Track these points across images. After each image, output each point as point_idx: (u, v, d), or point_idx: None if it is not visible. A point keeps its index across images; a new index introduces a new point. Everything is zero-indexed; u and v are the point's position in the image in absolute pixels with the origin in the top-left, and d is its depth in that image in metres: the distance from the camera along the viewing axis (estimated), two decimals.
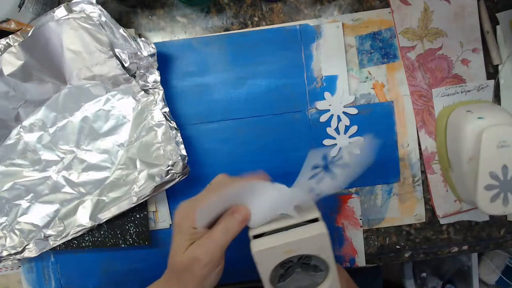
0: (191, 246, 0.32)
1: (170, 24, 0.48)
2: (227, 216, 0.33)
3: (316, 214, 0.33)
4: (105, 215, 0.43)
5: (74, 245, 0.45)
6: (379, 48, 0.48)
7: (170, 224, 0.48)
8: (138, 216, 0.46)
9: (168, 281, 0.35)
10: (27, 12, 0.41)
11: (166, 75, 0.47)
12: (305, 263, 0.34)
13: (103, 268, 0.48)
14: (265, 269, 0.32)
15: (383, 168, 0.48)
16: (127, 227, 0.46)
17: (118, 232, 0.45)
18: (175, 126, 0.43)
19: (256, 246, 0.32)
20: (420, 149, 0.48)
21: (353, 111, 0.47)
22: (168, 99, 0.45)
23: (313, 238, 0.31)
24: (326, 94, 0.47)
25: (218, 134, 0.47)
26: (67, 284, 0.48)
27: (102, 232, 0.45)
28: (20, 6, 0.40)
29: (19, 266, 0.48)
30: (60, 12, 0.42)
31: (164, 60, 0.46)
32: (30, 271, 0.48)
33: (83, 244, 0.45)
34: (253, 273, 0.48)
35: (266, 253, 0.31)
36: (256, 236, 0.33)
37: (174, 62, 0.47)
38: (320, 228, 0.32)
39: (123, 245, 0.46)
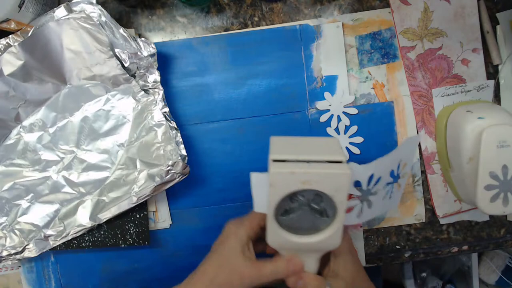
0: (243, 263, 0.33)
1: (170, 24, 0.48)
2: (282, 262, 0.34)
3: (342, 157, 0.32)
4: (105, 215, 0.43)
5: (74, 245, 0.45)
6: (379, 48, 0.48)
7: (170, 224, 0.48)
8: (138, 216, 0.46)
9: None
10: (27, 12, 0.41)
11: (166, 75, 0.47)
12: (313, 205, 0.33)
13: (103, 268, 0.48)
14: (276, 194, 0.32)
15: None
16: (127, 227, 0.46)
17: (118, 232, 0.45)
18: (175, 126, 0.43)
19: (276, 168, 0.31)
20: (420, 149, 0.48)
21: (353, 111, 0.47)
22: (168, 99, 0.45)
23: (335, 176, 0.31)
24: (326, 94, 0.47)
25: (218, 134, 0.47)
26: (67, 284, 0.48)
27: (102, 232, 0.45)
28: (20, 6, 0.40)
29: (19, 266, 0.48)
30: (60, 12, 0.42)
31: (164, 60, 0.46)
32: (30, 271, 0.48)
33: (83, 244, 0.45)
34: None
35: (284, 177, 0.31)
36: (276, 161, 0.32)
37: (174, 62, 0.47)
38: (344, 169, 0.31)
39: (123, 245, 0.46)
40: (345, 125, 0.47)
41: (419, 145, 0.48)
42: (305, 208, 0.33)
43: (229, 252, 0.34)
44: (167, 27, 0.48)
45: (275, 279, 0.34)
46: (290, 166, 0.31)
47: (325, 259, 0.36)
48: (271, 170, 0.31)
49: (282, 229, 0.34)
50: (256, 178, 0.33)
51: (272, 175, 0.31)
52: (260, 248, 0.38)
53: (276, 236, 0.34)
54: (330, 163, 0.32)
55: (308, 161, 0.32)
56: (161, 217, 0.47)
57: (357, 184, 0.34)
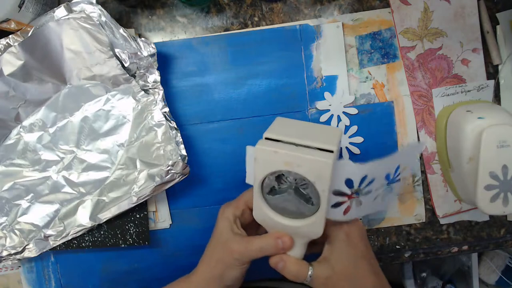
0: (233, 238, 0.35)
1: (170, 24, 0.48)
2: (270, 238, 0.35)
3: (333, 147, 0.32)
4: (105, 215, 0.43)
5: (74, 245, 0.45)
6: (379, 48, 0.47)
7: (170, 224, 0.48)
8: (138, 216, 0.46)
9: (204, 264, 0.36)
10: (27, 12, 0.41)
11: (166, 75, 0.47)
12: (300, 190, 0.34)
13: (103, 268, 0.48)
14: (260, 170, 0.33)
15: None
16: (127, 227, 0.46)
17: (118, 232, 0.45)
18: (175, 126, 0.43)
19: (262, 144, 0.32)
20: None
21: (353, 111, 0.47)
22: (168, 99, 0.45)
23: (316, 163, 0.31)
24: (326, 94, 0.47)
25: (218, 134, 0.47)
26: (67, 284, 0.48)
27: (102, 232, 0.45)
28: (20, 6, 0.40)
29: (19, 266, 0.48)
30: (60, 12, 0.42)
31: (164, 60, 0.46)
32: (30, 271, 0.48)
33: (83, 244, 0.45)
34: (254, 273, 0.48)
35: (267, 154, 0.32)
36: (268, 139, 0.33)
37: (174, 62, 0.47)
38: (328, 157, 0.31)
39: (123, 245, 0.46)
40: (345, 125, 0.47)
41: None
42: (291, 191, 0.34)
43: (219, 231, 0.36)
44: (167, 27, 0.48)
45: (263, 255, 0.34)
46: (276, 146, 0.32)
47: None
48: (257, 146, 0.32)
49: (267, 206, 0.35)
50: (249, 151, 0.34)
51: (256, 151, 0.32)
52: (253, 233, 0.38)
53: (260, 211, 0.35)
54: (318, 150, 0.32)
55: (296, 144, 0.33)
56: (161, 217, 0.47)
57: (348, 182, 0.34)
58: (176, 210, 0.48)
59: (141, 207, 0.45)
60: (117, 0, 0.46)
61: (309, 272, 0.34)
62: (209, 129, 0.47)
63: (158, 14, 0.47)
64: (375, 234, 0.49)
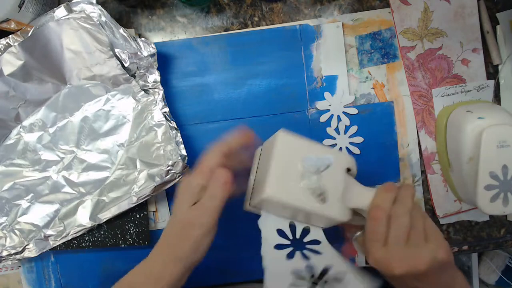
0: (188, 209, 0.34)
1: (170, 24, 0.48)
2: (211, 182, 0.34)
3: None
4: (105, 215, 0.43)
5: (74, 245, 0.45)
6: (379, 48, 0.47)
7: None
8: (138, 216, 0.46)
9: (163, 247, 0.35)
10: (27, 12, 0.41)
11: (166, 75, 0.47)
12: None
13: (103, 268, 0.48)
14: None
15: (383, 168, 0.48)
16: (127, 227, 0.46)
17: (118, 232, 0.45)
18: (175, 126, 0.43)
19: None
20: (420, 149, 0.48)
21: (353, 111, 0.47)
22: (168, 99, 0.45)
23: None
24: (326, 94, 0.47)
25: (218, 134, 0.47)
26: (67, 284, 0.48)
27: (102, 232, 0.45)
28: (20, 6, 0.40)
29: (19, 266, 0.48)
30: (60, 12, 0.42)
31: (164, 60, 0.46)
32: (30, 271, 0.48)
33: (83, 244, 0.45)
34: (253, 274, 0.48)
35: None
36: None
37: (174, 62, 0.47)
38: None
39: (123, 245, 0.46)
40: (345, 125, 0.47)
41: (419, 145, 0.48)
42: None
43: (178, 211, 0.35)
44: (167, 27, 0.48)
45: (222, 199, 0.34)
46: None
47: None
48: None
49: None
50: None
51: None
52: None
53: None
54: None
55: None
56: (161, 217, 0.47)
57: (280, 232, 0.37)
58: None
59: (141, 207, 0.45)
60: (117, 0, 0.46)
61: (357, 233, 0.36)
62: (209, 129, 0.47)
63: (158, 14, 0.47)
64: None
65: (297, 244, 0.40)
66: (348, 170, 0.37)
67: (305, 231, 0.38)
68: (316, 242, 0.39)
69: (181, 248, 0.34)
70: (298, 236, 0.39)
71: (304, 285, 0.38)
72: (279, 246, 0.40)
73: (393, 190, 0.34)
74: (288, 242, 0.40)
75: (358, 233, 0.39)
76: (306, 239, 0.39)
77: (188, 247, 0.34)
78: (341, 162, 0.36)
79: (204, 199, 0.34)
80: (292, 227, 0.38)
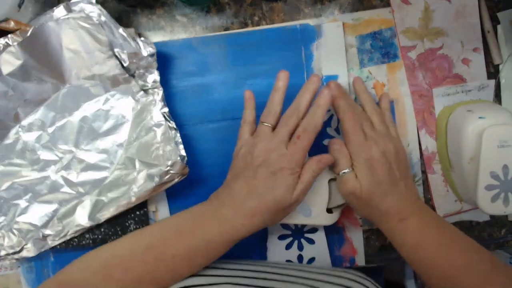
0: (295, 190, 0.37)
1: (170, 23, 0.47)
2: (314, 162, 0.38)
3: None
4: (104, 215, 0.43)
5: (75, 243, 0.45)
6: (379, 48, 0.47)
7: None
8: (138, 213, 0.45)
9: (249, 217, 0.37)
10: (27, 11, 0.41)
11: (165, 75, 0.46)
12: None
13: None
14: None
15: None
16: (127, 224, 0.46)
17: (118, 229, 0.45)
18: (174, 127, 0.43)
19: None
20: (420, 149, 0.48)
21: None
22: (168, 99, 0.45)
23: None
24: None
25: (217, 134, 0.47)
26: None
27: (102, 230, 0.45)
28: (19, 6, 0.40)
29: (19, 266, 0.48)
30: (59, 11, 0.42)
31: (163, 60, 0.46)
32: (29, 271, 0.48)
33: (83, 242, 0.45)
34: None
35: None
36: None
37: (174, 62, 0.47)
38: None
39: None
40: None
41: (420, 145, 0.48)
42: None
43: (287, 193, 0.38)
44: (167, 26, 0.47)
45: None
46: None
47: None
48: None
49: None
50: None
51: None
52: None
53: None
54: None
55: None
56: (161, 217, 0.47)
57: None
58: (176, 210, 0.48)
59: (141, 204, 0.45)
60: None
61: (346, 170, 0.39)
62: (209, 129, 0.47)
63: (158, 14, 0.47)
64: (375, 234, 0.49)
65: (297, 233, 0.49)
66: (331, 180, 0.42)
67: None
68: (313, 230, 0.47)
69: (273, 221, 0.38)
70: (299, 226, 0.47)
71: (287, 237, 0.46)
72: (282, 237, 0.47)
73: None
74: (289, 232, 0.47)
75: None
76: (306, 228, 0.47)
77: (277, 221, 0.39)
78: (324, 177, 0.42)
79: (306, 176, 0.37)
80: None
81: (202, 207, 0.39)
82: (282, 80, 0.40)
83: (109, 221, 0.45)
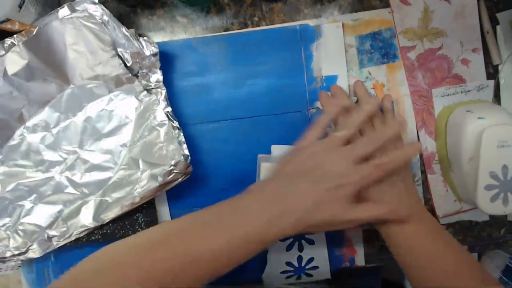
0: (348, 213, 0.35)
1: (170, 24, 0.48)
2: (375, 208, 0.37)
3: None
4: (108, 216, 0.43)
5: (84, 239, 0.45)
6: (379, 48, 0.48)
7: None
8: (145, 205, 0.45)
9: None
10: (28, 12, 0.41)
11: (166, 75, 0.47)
12: None
13: None
14: None
15: None
16: (135, 217, 0.46)
17: (127, 223, 0.45)
18: (178, 126, 0.43)
19: None
20: None
21: None
22: (169, 99, 0.45)
23: None
24: None
25: (218, 134, 0.48)
26: None
27: (110, 225, 0.45)
28: (20, 6, 0.40)
29: (19, 266, 0.48)
30: (63, 11, 0.42)
31: (164, 60, 0.46)
32: (30, 271, 0.48)
33: (92, 238, 0.45)
34: (254, 273, 0.49)
35: None
36: None
37: (174, 62, 0.47)
38: None
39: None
40: None
41: None
42: None
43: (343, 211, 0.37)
44: (167, 27, 0.48)
45: None
46: None
47: None
48: None
49: None
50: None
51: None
52: None
53: None
54: None
55: None
56: (161, 217, 0.47)
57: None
58: (176, 210, 0.48)
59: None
60: (117, 0, 0.46)
61: None
62: (209, 129, 0.47)
63: (158, 14, 0.48)
64: (375, 234, 0.49)
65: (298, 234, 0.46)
66: None
67: None
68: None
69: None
70: None
71: (290, 271, 0.47)
72: (283, 238, 0.47)
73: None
74: None
75: None
76: None
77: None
78: None
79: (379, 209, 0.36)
80: None
81: (241, 200, 0.36)
82: (373, 105, 0.40)
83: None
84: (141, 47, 0.42)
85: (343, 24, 0.47)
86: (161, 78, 0.43)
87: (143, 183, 0.43)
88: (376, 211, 0.36)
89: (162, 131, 0.43)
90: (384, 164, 0.36)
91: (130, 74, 0.43)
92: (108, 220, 0.43)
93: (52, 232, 0.44)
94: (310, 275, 0.47)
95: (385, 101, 0.45)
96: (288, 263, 0.46)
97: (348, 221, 0.35)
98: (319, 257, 0.47)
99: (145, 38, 0.43)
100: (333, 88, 0.44)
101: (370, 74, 0.48)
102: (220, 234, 0.34)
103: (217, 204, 0.37)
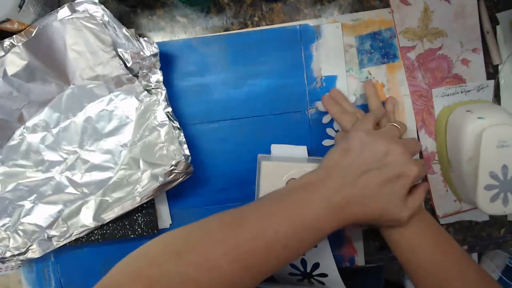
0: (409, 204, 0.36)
1: (170, 24, 0.48)
2: (423, 189, 0.38)
3: None
4: (109, 216, 0.43)
5: (84, 239, 0.45)
6: (379, 48, 0.48)
7: (170, 224, 0.48)
8: (144, 205, 0.45)
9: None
10: (28, 12, 0.41)
11: (166, 75, 0.47)
12: None
13: (103, 268, 0.48)
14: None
15: None
16: (135, 217, 0.46)
17: (126, 223, 0.45)
18: (178, 126, 0.43)
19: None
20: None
21: None
22: (169, 99, 0.45)
23: None
24: None
25: (218, 134, 0.48)
26: (67, 284, 0.48)
27: (110, 225, 0.45)
28: (20, 6, 0.40)
29: (19, 266, 0.48)
30: (63, 12, 0.42)
31: (164, 60, 0.46)
32: (30, 271, 0.48)
33: (92, 238, 0.45)
34: None
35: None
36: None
37: (174, 62, 0.47)
38: None
39: (132, 236, 0.45)
40: None
41: None
42: None
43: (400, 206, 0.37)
44: (167, 27, 0.48)
45: None
46: None
47: None
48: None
49: None
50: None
51: None
52: None
53: None
54: None
55: None
56: (161, 217, 0.47)
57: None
58: (176, 210, 0.48)
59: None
60: (116, 0, 0.46)
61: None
62: (209, 129, 0.47)
63: (158, 14, 0.48)
64: (375, 234, 0.49)
65: None
66: None
67: None
68: None
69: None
70: None
71: (298, 275, 0.46)
72: None
73: None
74: None
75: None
76: None
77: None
78: None
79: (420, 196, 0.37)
80: None
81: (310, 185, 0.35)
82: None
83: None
84: (141, 47, 0.42)
85: (343, 25, 0.47)
86: (161, 78, 0.43)
87: (144, 183, 0.43)
88: (424, 194, 0.38)
89: (163, 131, 0.43)
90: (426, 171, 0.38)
91: (131, 75, 0.43)
92: (108, 220, 0.43)
93: (52, 232, 0.44)
94: (322, 283, 0.46)
95: (389, 104, 0.45)
96: (293, 266, 0.46)
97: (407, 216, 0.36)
98: (324, 262, 0.46)
99: (145, 38, 0.43)
100: (333, 91, 0.45)
101: (370, 74, 0.48)
102: (287, 218, 0.33)
103: (277, 192, 0.36)
